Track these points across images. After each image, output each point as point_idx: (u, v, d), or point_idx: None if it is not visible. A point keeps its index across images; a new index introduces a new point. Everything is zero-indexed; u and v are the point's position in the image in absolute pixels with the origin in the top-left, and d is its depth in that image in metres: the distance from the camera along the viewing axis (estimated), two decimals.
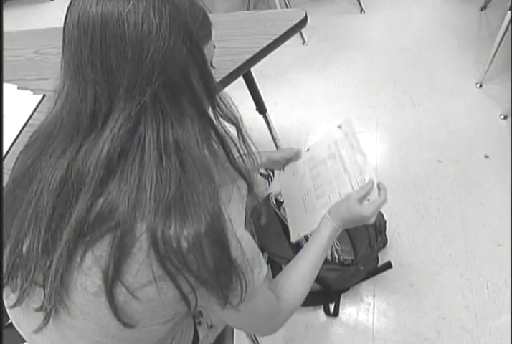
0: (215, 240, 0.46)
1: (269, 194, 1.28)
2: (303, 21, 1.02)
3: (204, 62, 0.51)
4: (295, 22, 1.00)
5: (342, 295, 1.22)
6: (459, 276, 1.22)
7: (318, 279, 1.14)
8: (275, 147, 1.57)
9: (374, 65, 1.95)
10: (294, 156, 1.02)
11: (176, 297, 0.48)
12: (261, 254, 0.55)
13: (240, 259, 0.49)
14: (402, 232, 1.34)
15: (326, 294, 1.21)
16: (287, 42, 2.12)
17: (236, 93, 1.54)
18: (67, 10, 0.49)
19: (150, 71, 0.46)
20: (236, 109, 0.55)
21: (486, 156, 1.48)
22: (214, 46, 0.57)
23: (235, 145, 0.55)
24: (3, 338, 0.69)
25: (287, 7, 2.01)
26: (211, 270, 0.46)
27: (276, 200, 1.21)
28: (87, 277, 0.47)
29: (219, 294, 0.49)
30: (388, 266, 1.25)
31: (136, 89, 0.46)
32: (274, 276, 1.21)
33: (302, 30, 2.11)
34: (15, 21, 2.92)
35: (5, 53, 1.22)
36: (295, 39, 2.16)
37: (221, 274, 0.47)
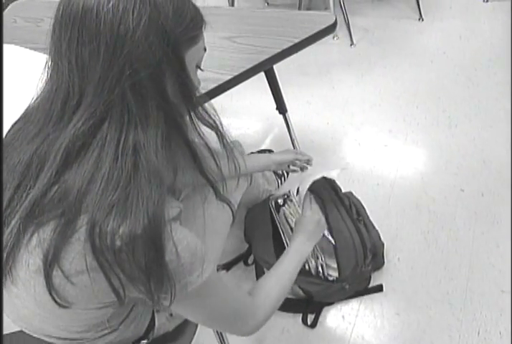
0: (149, 243, 0.47)
1: (269, 196, 1.26)
2: (331, 27, 0.97)
3: (182, 67, 0.51)
4: (322, 26, 0.95)
5: (324, 308, 1.20)
6: (451, 314, 1.15)
7: (302, 289, 1.13)
8: (292, 148, 1.55)
9: (422, 78, 1.85)
10: (296, 157, 1.12)
11: (108, 289, 0.50)
12: (204, 258, 0.54)
13: (174, 263, 0.50)
14: (403, 258, 1.28)
15: (308, 303, 1.19)
16: (335, 41, 2.08)
17: (261, 89, 1.51)
18: (59, 1, 0.50)
19: (121, 71, 0.46)
20: (217, 114, 0.56)
21: None
22: (205, 49, 0.57)
23: (211, 152, 0.57)
24: None
25: (341, 8, 1.93)
26: (142, 271, 0.48)
27: (276, 203, 1.20)
28: (31, 256, 0.50)
29: (148, 294, 0.50)
30: (378, 288, 1.21)
31: (105, 86, 0.47)
32: (257, 278, 1.21)
33: (353, 31, 2.02)
34: None
35: (23, 20, 1.24)
36: (344, 38, 2.08)
37: (152, 276, 0.48)
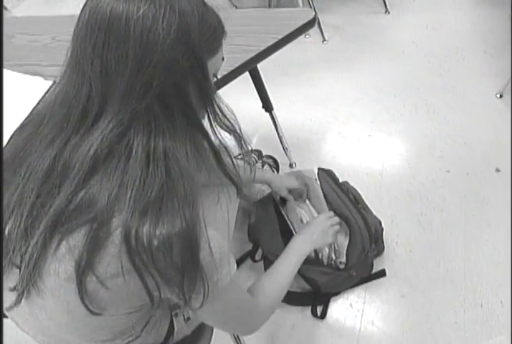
0: (186, 242, 0.47)
1: (270, 192, 1.28)
2: (311, 22, 1.00)
3: (205, 77, 0.52)
4: (303, 22, 0.99)
5: (332, 299, 1.22)
6: (453, 291, 1.19)
7: (308, 281, 1.15)
8: (280, 146, 1.57)
9: (397, 69, 1.91)
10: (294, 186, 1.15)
11: (142, 292, 0.50)
12: (231, 255, 0.56)
13: (207, 260, 0.50)
14: (401, 242, 1.32)
15: (316, 295, 1.20)
16: (308, 39, 2.12)
17: (245, 90, 1.54)
18: (84, 3, 0.51)
19: (150, 80, 0.47)
20: (236, 119, 0.57)
21: (497, 170, 1.44)
22: (223, 59, 0.58)
23: (229, 154, 0.58)
24: None
25: (310, 5, 1.97)
26: (178, 270, 0.48)
27: (281, 197, 1.21)
28: (61, 264, 0.49)
29: (181, 295, 0.50)
30: (381, 274, 1.24)
31: (133, 96, 0.47)
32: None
33: (324, 28, 2.07)
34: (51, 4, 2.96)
35: (24, 37, 1.25)
36: (316, 36, 2.13)
37: (187, 275, 0.49)
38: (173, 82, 0.48)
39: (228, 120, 0.56)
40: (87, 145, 0.48)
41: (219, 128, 0.56)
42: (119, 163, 0.48)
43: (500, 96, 1.67)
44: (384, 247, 1.26)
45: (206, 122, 0.56)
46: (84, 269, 0.47)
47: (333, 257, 1.10)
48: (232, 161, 0.60)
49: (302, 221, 1.13)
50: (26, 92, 1.05)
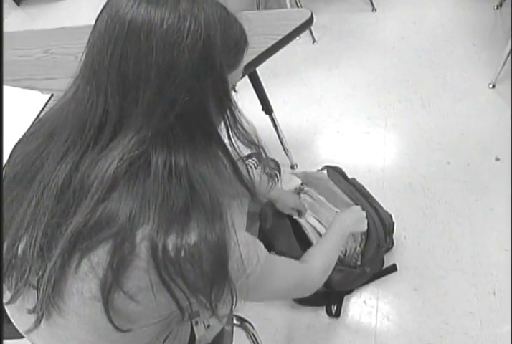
0: (216, 254, 0.47)
1: None
2: (309, 21, 1.02)
3: (226, 93, 0.51)
4: (300, 22, 1.00)
5: (345, 297, 1.23)
6: (464, 281, 1.21)
7: None
8: (279, 148, 1.57)
9: (387, 64, 1.94)
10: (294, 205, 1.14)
11: (172, 303, 0.49)
12: (256, 242, 0.56)
13: (236, 265, 0.50)
14: (408, 235, 1.33)
15: (329, 295, 1.21)
16: (299, 41, 2.15)
17: (243, 92, 1.53)
18: (101, 9, 0.49)
19: (173, 99, 0.46)
20: (255, 132, 0.56)
21: (497, 159, 1.46)
22: (242, 71, 0.58)
23: (246, 166, 0.60)
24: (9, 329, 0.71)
25: (297, 6, 2.00)
26: (207, 281, 0.48)
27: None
28: (84, 283, 0.48)
29: (207, 304, 0.50)
30: (393, 269, 1.25)
31: (155, 114, 0.46)
32: None
33: (313, 28, 2.09)
34: (31, 19, 2.96)
35: (15, 52, 1.25)
36: (306, 37, 2.15)
37: (215, 286, 0.49)
38: (196, 100, 0.47)
39: (247, 135, 0.55)
40: (107, 162, 0.47)
41: (237, 140, 0.55)
42: (138, 179, 0.47)
43: (493, 86, 1.70)
44: (393, 242, 1.28)
45: (223, 133, 0.56)
46: (110, 286, 0.46)
47: (358, 249, 1.10)
48: (248, 173, 0.60)
49: (317, 219, 1.13)
50: (24, 106, 1.05)
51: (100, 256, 0.46)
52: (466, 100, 1.69)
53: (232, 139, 0.54)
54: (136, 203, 0.46)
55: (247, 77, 1.26)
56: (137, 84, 0.46)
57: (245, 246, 0.52)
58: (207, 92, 0.48)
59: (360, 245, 1.11)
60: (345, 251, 1.09)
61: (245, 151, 0.59)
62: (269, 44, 0.98)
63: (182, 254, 0.45)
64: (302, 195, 1.18)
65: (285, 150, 1.56)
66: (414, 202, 1.41)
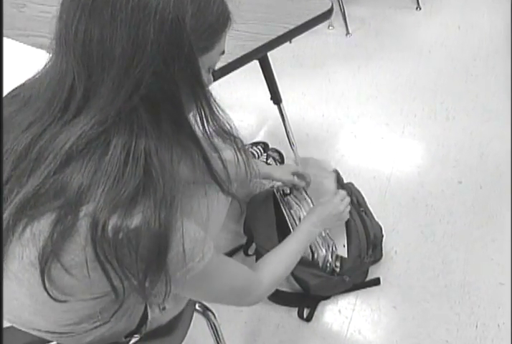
0: (155, 243, 0.47)
1: (272, 186, 1.28)
2: (327, 13, 0.98)
3: (196, 78, 0.50)
4: (318, 13, 0.96)
5: (321, 302, 1.22)
6: (448, 308, 1.18)
7: (299, 281, 1.15)
8: (287, 140, 1.56)
9: (419, 70, 1.88)
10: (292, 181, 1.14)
11: (105, 283, 0.50)
12: (207, 242, 0.56)
13: (174, 252, 0.50)
14: (400, 251, 1.30)
15: (305, 297, 1.21)
16: (331, 31, 2.10)
17: (254, 79, 1.51)
18: None
19: (137, 82, 0.46)
20: (230, 120, 0.56)
21: None
22: (223, 52, 0.56)
23: (220, 156, 0.58)
24: None
25: None
26: (141, 269, 0.48)
27: (283, 191, 1.21)
28: (25, 249, 0.49)
29: (141, 290, 0.51)
30: (376, 282, 1.24)
31: (119, 95, 0.46)
32: None
33: (348, 20, 2.04)
34: None
35: (36, 7, 1.23)
36: (339, 28, 2.10)
37: (150, 273, 0.49)
38: (162, 84, 0.47)
39: (223, 123, 0.55)
40: (65, 137, 0.48)
41: (211, 130, 0.55)
42: (94, 157, 0.47)
43: None
44: (382, 254, 1.25)
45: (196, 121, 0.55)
46: (48, 257, 0.47)
47: (330, 260, 1.10)
48: (223, 163, 0.59)
49: (300, 218, 1.12)
50: (28, 65, 1.04)
51: (43, 225, 0.48)
52: (494, 121, 1.63)
53: (207, 129, 0.54)
54: (86, 180, 0.47)
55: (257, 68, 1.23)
56: (102, 63, 0.46)
57: (192, 241, 0.52)
58: (175, 76, 0.48)
59: (331, 256, 1.09)
60: (313, 255, 1.08)
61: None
62: (279, 33, 0.95)
63: (120, 236, 0.46)
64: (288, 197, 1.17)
65: (290, 144, 1.55)
66: (413, 218, 1.38)
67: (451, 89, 1.77)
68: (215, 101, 0.54)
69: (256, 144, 1.61)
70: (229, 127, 0.56)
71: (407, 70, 1.88)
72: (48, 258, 0.48)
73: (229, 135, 0.56)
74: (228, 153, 0.60)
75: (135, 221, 0.46)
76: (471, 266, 1.26)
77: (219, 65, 0.89)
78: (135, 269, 0.48)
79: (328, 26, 2.12)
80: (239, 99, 1.85)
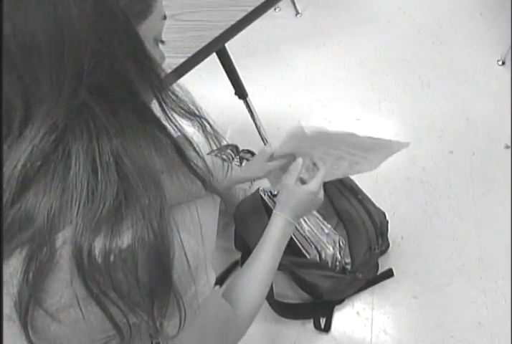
0: (155, 258, 0.45)
1: (258, 188, 1.28)
2: None
3: (140, 49, 0.48)
4: None
5: (335, 307, 1.22)
6: (471, 287, 1.21)
7: (308, 288, 1.15)
8: (258, 138, 1.57)
9: (383, 42, 1.93)
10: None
11: (105, 322, 0.47)
12: (208, 263, 0.55)
13: (180, 271, 0.49)
14: (406, 236, 1.33)
15: (317, 305, 1.21)
16: (278, 13, 2.13)
17: (211, 76, 1.51)
18: None
19: (77, 70, 0.43)
20: (193, 100, 0.54)
21: (507, 147, 1.48)
22: (165, 17, 0.55)
23: (192, 145, 0.55)
24: None
25: None
26: (145, 292, 0.46)
27: (270, 192, 1.21)
28: None
29: (150, 322, 0.48)
30: (389, 274, 1.25)
31: (63, 92, 0.43)
32: None
33: None
34: None
35: None
36: (287, 9, 2.14)
37: (156, 299, 0.47)
38: (106, 67, 0.45)
39: (184, 103, 0.53)
40: (15, 158, 0.44)
41: (174, 115, 0.53)
42: (57, 173, 0.45)
43: (502, 63, 1.72)
44: (388, 243, 1.27)
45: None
46: (27, 304, 0.44)
47: (339, 257, 1.10)
48: (198, 153, 0.57)
49: None
50: None
51: (13, 267, 0.44)
52: (472, 81, 1.71)
53: (167, 112, 0.52)
54: (55, 202, 0.44)
55: (215, 56, 1.25)
56: (27, 58, 0.42)
57: (195, 258, 0.51)
58: (117, 54, 0.46)
59: (340, 253, 1.10)
60: (321, 255, 1.09)
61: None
62: (238, 17, 0.96)
63: (112, 259, 0.43)
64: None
65: (263, 140, 1.56)
66: (412, 198, 1.42)
67: (421, 57, 1.83)
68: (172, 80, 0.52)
69: (224, 148, 1.59)
70: (192, 106, 0.53)
71: (370, 43, 1.93)
72: (27, 306, 0.44)
73: (194, 116, 0.54)
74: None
75: (126, 238, 0.44)
76: (485, 237, 1.30)
77: (180, 61, 0.89)
78: (139, 295, 0.45)
79: (275, 9, 2.15)
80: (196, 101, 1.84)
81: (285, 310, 1.21)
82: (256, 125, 1.52)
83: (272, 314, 1.22)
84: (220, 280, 1.28)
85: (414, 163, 1.50)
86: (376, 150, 0.91)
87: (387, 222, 1.22)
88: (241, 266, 1.24)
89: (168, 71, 0.87)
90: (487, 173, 1.44)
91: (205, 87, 1.88)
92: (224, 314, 0.65)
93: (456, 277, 1.23)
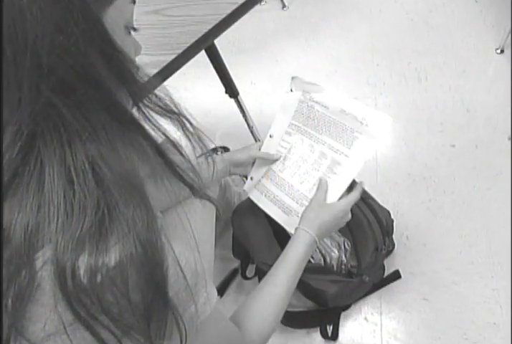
0: (146, 273, 0.44)
1: None
2: None
3: (107, 39, 0.46)
4: None
5: (342, 314, 1.22)
6: (483, 286, 1.21)
7: (314, 294, 1.14)
8: (252, 139, 1.56)
9: (374, 32, 1.94)
10: (255, 154, 1.05)
11: None
12: (208, 277, 0.54)
13: (176, 288, 0.47)
14: (411, 235, 1.33)
15: (323, 313, 1.20)
16: (264, 7, 2.12)
17: (196, 75, 1.49)
18: None
19: (38, 67, 0.41)
20: (170, 96, 0.52)
21: (510, 138, 1.48)
22: (134, 1, 0.52)
23: (176, 147, 0.53)
24: None
25: None
26: (139, 313, 0.44)
27: None
28: None
29: None
30: (396, 276, 1.25)
31: (24, 93, 0.41)
32: None
33: None
34: None
35: None
36: (273, 1, 2.14)
37: (153, 319, 0.45)
38: (69, 61, 0.42)
39: (160, 98, 0.51)
40: None
41: (152, 114, 0.51)
42: (30, 186, 0.43)
43: (501, 51, 1.72)
44: (394, 244, 1.27)
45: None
46: (8, 336, 0.42)
47: (344, 260, 1.09)
48: (184, 157, 0.55)
49: None
50: None
51: None
52: (471, 70, 1.71)
53: (145, 111, 0.50)
54: (32, 219, 0.42)
55: (204, 54, 1.23)
56: None
57: (194, 274, 0.50)
58: (79, 44, 0.42)
59: (345, 255, 1.09)
60: (325, 259, 1.08)
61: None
62: (228, 11, 0.95)
63: (99, 279, 0.41)
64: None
65: (255, 141, 1.55)
66: (415, 195, 1.41)
67: (415, 47, 1.84)
68: (140, 69, 0.49)
69: (214, 151, 1.57)
70: (170, 102, 0.51)
71: (361, 34, 1.93)
72: (8, 338, 0.42)
73: (173, 114, 0.51)
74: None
75: (114, 255, 0.42)
76: (493, 232, 1.30)
77: (169, 58, 0.87)
78: (132, 317, 0.44)
79: (260, 2, 2.15)
80: (180, 100, 1.79)
81: (289, 319, 1.19)
82: (248, 124, 1.50)
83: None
84: (219, 291, 1.28)
85: (414, 159, 1.51)
86: (360, 139, 0.91)
87: (392, 221, 1.22)
88: (241, 275, 1.26)
89: (155, 71, 0.87)
90: (492, 166, 1.44)
91: (189, 85, 1.85)
92: (228, 336, 0.63)
93: (466, 276, 1.23)
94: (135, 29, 0.54)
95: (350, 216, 0.91)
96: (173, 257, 0.47)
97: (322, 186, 0.92)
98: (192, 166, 0.56)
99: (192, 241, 0.70)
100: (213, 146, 1.60)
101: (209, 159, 0.61)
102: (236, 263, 1.32)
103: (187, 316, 0.50)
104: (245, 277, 1.25)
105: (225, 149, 1.59)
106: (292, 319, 1.20)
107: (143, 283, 0.43)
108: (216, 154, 1.54)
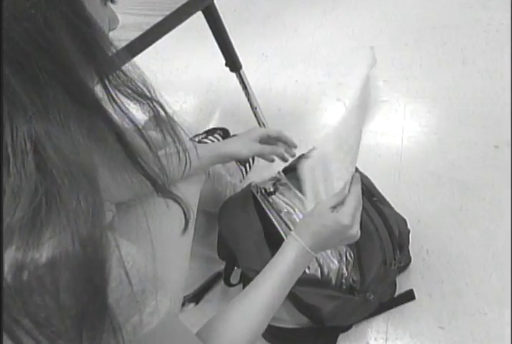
0: (83, 275, 0.44)
1: (249, 184, 1.24)
2: None
3: (75, 10, 0.47)
4: None
5: (340, 335, 1.19)
6: None
7: (307, 310, 1.11)
8: (254, 120, 1.54)
9: (403, 4, 1.91)
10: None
11: None
12: (157, 285, 0.54)
13: (119, 294, 0.48)
14: (432, 249, 1.29)
15: (318, 332, 1.17)
16: None
17: (196, 45, 1.45)
18: None
19: None
20: (144, 77, 0.54)
21: None
22: None
23: (142, 135, 0.56)
24: None
25: None
26: (69, 322, 0.45)
27: (264, 189, 1.17)
28: None
29: None
30: (409, 296, 1.22)
31: None
32: None
33: None
34: None
35: None
36: None
37: (85, 329, 0.46)
38: (30, 30, 0.43)
39: (131, 80, 0.52)
40: None
41: (120, 96, 0.52)
42: None
43: None
44: (410, 258, 1.24)
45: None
46: None
47: (345, 273, 1.06)
48: (150, 147, 0.57)
49: (294, 222, 1.09)
50: None
51: None
52: None
53: (112, 91, 0.51)
54: None
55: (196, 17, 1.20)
56: None
57: (142, 278, 0.51)
58: (44, 13, 0.44)
59: (347, 268, 1.06)
60: (322, 270, 1.05)
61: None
62: None
63: (25, 277, 0.42)
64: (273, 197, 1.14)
65: (259, 124, 1.53)
66: (441, 200, 1.38)
67: (454, 23, 1.80)
68: (114, 47, 0.50)
69: (211, 132, 1.62)
70: (142, 85, 0.53)
71: (388, 7, 1.92)
72: None
73: (144, 98, 0.53)
74: None
75: (46, 251, 0.42)
76: None
77: (155, 20, 0.83)
78: (61, 323, 0.44)
79: None
80: (173, 74, 1.83)
81: (277, 337, 1.19)
82: (251, 104, 1.49)
83: (261, 341, 1.20)
84: (198, 295, 1.29)
85: (445, 158, 1.48)
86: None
87: (408, 231, 1.20)
88: (223, 280, 1.25)
89: (140, 33, 0.81)
90: None
91: (185, 56, 1.87)
92: None
93: (495, 305, 1.17)
94: (112, 1, 0.56)
95: (357, 232, 0.89)
96: (118, 258, 0.48)
97: (337, 193, 0.92)
98: (158, 159, 0.59)
99: (147, 244, 0.71)
100: (210, 127, 1.65)
101: (181, 153, 0.64)
102: (222, 264, 1.30)
103: (128, 327, 0.51)
104: (229, 284, 1.23)
105: (224, 131, 1.62)
106: (281, 337, 1.19)
107: (77, 285, 0.44)
108: (214, 136, 1.56)
